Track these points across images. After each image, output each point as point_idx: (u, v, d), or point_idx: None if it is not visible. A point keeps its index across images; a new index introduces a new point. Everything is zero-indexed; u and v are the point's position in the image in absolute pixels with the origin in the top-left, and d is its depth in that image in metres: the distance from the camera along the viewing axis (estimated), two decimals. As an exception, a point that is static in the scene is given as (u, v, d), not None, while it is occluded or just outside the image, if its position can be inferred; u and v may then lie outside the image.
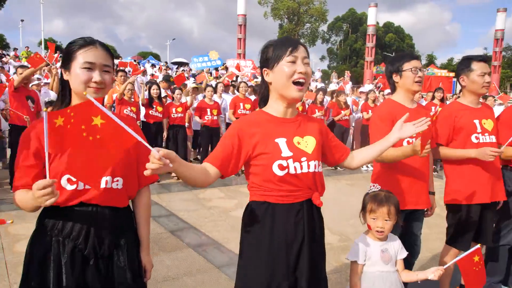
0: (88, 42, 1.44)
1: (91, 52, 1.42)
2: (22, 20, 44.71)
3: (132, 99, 6.36)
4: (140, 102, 6.55)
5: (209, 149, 7.01)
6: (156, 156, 1.11)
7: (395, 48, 58.38)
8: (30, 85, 5.81)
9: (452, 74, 34.03)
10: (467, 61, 2.66)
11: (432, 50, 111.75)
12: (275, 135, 1.56)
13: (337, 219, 4.52)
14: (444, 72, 33.53)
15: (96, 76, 1.41)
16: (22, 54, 21.83)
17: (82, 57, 1.41)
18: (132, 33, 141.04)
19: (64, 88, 1.49)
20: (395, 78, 2.39)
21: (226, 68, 16.85)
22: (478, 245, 1.79)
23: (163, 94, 7.06)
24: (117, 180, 1.46)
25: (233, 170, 1.55)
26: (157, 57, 44.03)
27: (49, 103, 5.64)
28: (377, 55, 53.10)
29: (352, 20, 60.57)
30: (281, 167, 1.51)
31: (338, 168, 8.06)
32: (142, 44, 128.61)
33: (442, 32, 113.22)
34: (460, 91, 2.98)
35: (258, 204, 1.57)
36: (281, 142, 1.55)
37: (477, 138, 2.60)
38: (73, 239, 1.41)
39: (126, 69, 9.32)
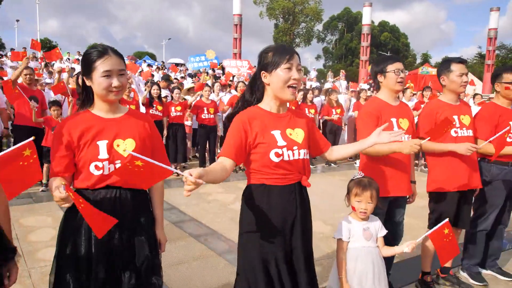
0: (102, 52, 1.66)
1: (107, 61, 1.64)
2: (17, 20, 44.62)
3: (132, 97, 6.60)
4: (141, 102, 6.78)
5: (207, 146, 7.25)
6: (193, 180, 1.31)
7: (391, 47, 58.80)
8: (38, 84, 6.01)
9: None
10: (447, 63, 2.93)
11: (428, 48, 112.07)
12: (271, 128, 1.82)
13: (331, 211, 4.78)
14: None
15: (114, 81, 1.65)
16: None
17: (101, 67, 1.63)
18: (127, 32, 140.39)
19: (87, 93, 1.73)
20: (380, 78, 2.64)
21: (223, 69, 17.08)
22: (447, 219, 2.06)
23: (163, 94, 7.29)
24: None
25: (244, 157, 1.81)
26: (153, 57, 44.07)
27: (51, 103, 5.87)
28: (373, 54, 53.41)
29: (347, 19, 60.91)
30: (277, 155, 1.77)
31: (333, 165, 8.33)
32: (137, 44, 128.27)
33: (438, 31, 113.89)
34: None
35: (256, 186, 1.82)
36: (276, 133, 1.80)
37: (456, 132, 2.87)
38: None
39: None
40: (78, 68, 16.94)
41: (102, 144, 1.64)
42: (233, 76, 14.20)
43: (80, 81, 1.77)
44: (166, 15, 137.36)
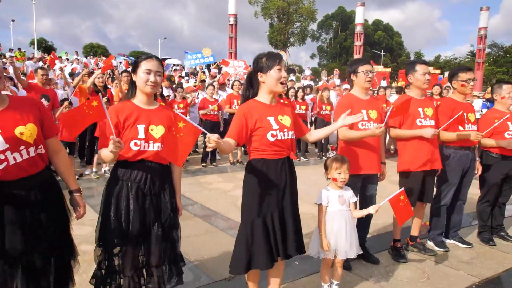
0: (148, 56, 2.25)
1: (150, 62, 2.22)
2: (13, 20, 44.72)
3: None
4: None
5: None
6: (215, 139, 1.95)
7: (384, 46, 59.45)
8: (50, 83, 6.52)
9: (438, 71, 35.15)
10: (413, 64, 3.51)
11: (422, 47, 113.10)
12: (267, 115, 2.38)
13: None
14: (430, 69, 34.64)
15: (151, 77, 2.21)
16: (16, 55, 22.25)
17: (144, 65, 2.21)
18: (122, 31, 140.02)
19: (133, 85, 2.29)
20: (353, 77, 3.22)
21: (219, 69, 17.58)
22: (402, 188, 2.63)
23: (166, 93, 7.82)
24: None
25: (244, 139, 2.37)
26: (148, 56, 44.34)
27: (63, 100, 6.40)
28: (367, 53, 54.07)
29: (341, 18, 61.53)
30: (272, 135, 2.34)
31: (323, 158, 8.91)
32: (132, 43, 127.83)
33: (432, 29, 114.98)
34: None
35: (256, 161, 2.38)
36: (271, 119, 2.37)
37: (420, 121, 3.45)
38: (137, 182, 2.20)
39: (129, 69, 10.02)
40: (79, 68, 17.39)
41: (141, 127, 2.19)
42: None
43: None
44: (160, 14, 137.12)
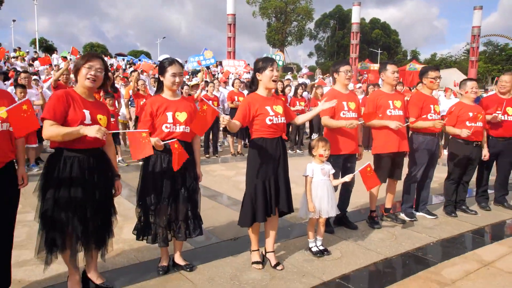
0: (172, 62, 2.96)
1: (174, 67, 2.93)
2: (14, 20, 45.21)
3: (146, 93, 7.85)
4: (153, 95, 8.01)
5: (210, 133, 8.46)
6: (227, 119, 2.70)
7: (381, 44, 60.17)
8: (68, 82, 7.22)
9: (433, 69, 35.84)
10: (384, 64, 4.24)
11: (420, 45, 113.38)
12: (265, 105, 3.10)
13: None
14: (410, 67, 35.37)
15: (177, 79, 2.93)
16: (21, 54, 22.86)
17: (170, 70, 2.92)
18: (119, 30, 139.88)
19: (161, 85, 3.01)
20: (335, 75, 3.94)
21: (219, 63, 18.26)
22: (368, 162, 3.37)
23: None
24: (187, 128, 2.97)
25: (247, 122, 3.09)
26: (147, 55, 44.97)
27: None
28: (364, 51, 54.76)
29: (339, 16, 62.23)
30: (270, 120, 3.06)
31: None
32: (130, 42, 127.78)
33: (430, 27, 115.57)
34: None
35: (257, 139, 3.10)
36: (268, 108, 3.09)
37: (390, 112, 4.17)
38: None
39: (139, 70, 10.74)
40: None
41: (169, 114, 2.91)
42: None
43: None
44: (158, 13, 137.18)
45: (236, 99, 8.71)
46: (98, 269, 2.87)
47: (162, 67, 2.99)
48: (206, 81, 11.43)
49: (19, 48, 26.08)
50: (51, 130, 2.42)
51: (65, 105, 2.51)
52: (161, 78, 2.99)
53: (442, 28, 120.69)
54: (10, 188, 2.46)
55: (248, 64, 18.42)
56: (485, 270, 3.25)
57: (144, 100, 7.56)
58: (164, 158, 2.92)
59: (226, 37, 36.37)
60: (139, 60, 29.13)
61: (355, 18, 39.43)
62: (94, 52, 2.90)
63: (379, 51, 53.42)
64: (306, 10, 44.88)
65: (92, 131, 2.36)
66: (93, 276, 2.81)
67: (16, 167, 2.60)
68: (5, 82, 8.44)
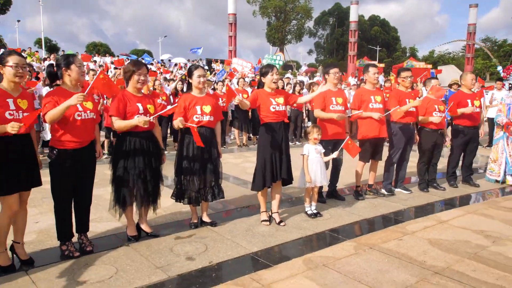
0: (197, 67, 3.93)
1: (199, 70, 3.90)
2: (18, 21, 46.11)
3: (161, 91, 8.83)
4: (169, 93, 8.99)
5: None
6: (240, 98, 3.72)
7: (380, 41, 61.00)
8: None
9: (430, 66, 36.77)
10: (367, 66, 5.21)
11: (421, 41, 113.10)
12: (269, 97, 4.08)
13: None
14: (422, 64, 36.24)
15: (201, 79, 3.89)
16: (28, 54, 23.80)
17: (196, 73, 3.88)
18: (119, 28, 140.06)
19: (189, 85, 3.98)
20: (326, 76, 4.92)
21: (222, 62, 19.06)
22: (348, 137, 4.38)
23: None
24: (212, 117, 3.94)
25: (254, 106, 4.07)
26: (150, 54, 45.82)
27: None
28: (363, 48, 55.59)
29: (338, 14, 63.03)
30: (273, 108, 4.05)
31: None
32: (129, 40, 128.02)
33: (431, 23, 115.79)
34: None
35: (265, 124, 4.08)
36: (272, 99, 4.07)
37: (372, 105, 5.13)
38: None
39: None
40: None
41: (198, 108, 3.87)
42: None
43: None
44: (157, 10, 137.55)
45: (240, 96, 9.68)
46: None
47: (190, 71, 3.97)
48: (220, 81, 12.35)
49: (30, 48, 27.14)
50: (118, 123, 3.44)
51: (124, 103, 3.49)
52: (190, 80, 3.96)
53: (443, 24, 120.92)
54: (93, 159, 3.44)
55: (254, 68, 19.30)
56: (440, 225, 4.23)
57: (161, 98, 8.56)
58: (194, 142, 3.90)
59: (227, 36, 37.28)
60: (142, 59, 30.07)
61: (353, 17, 40.32)
62: (140, 60, 3.63)
63: (378, 48, 54.18)
64: (305, 9, 45.78)
65: (140, 123, 3.35)
66: (144, 227, 3.79)
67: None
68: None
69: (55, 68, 3.27)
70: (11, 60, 2.91)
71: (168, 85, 10.26)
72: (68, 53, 19.37)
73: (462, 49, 58.10)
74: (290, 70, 27.02)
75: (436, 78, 5.81)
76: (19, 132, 2.73)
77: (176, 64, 23.94)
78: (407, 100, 5.35)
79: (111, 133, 7.86)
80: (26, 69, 3.06)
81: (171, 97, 9.10)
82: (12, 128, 2.68)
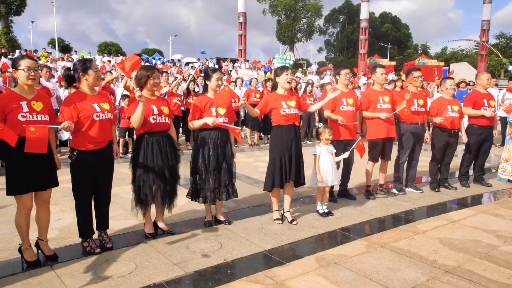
0: (215, 70, 4.05)
1: (217, 73, 4.01)
2: (32, 22, 46.92)
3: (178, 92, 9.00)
4: (182, 93, 9.15)
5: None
6: (244, 101, 3.94)
7: (392, 38, 60.39)
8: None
9: (442, 64, 36.31)
10: (374, 67, 5.26)
11: (434, 38, 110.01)
12: (280, 100, 4.17)
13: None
14: (434, 62, 35.81)
15: (219, 82, 4.00)
16: (42, 55, 24.28)
17: (214, 76, 4.00)
18: (129, 28, 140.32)
19: (205, 86, 4.09)
20: (337, 77, 4.98)
21: (233, 61, 19.23)
22: (360, 138, 4.44)
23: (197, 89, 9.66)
24: (226, 118, 4.05)
25: (264, 112, 4.18)
26: (160, 53, 46.20)
27: (123, 96, 8.27)
28: (374, 46, 55.15)
29: (348, 11, 62.60)
30: (283, 111, 4.13)
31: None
32: (140, 39, 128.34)
33: (445, 19, 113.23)
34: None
35: (277, 126, 4.17)
36: (283, 102, 4.16)
37: (380, 105, 5.18)
38: (213, 138, 3.98)
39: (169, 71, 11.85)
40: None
41: (213, 109, 3.99)
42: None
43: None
44: (167, 9, 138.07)
45: (253, 96, 9.78)
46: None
47: (207, 74, 4.09)
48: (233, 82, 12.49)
49: (44, 49, 27.72)
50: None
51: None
52: (207, 82, 4.07)
53: (457, 20, 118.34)
54: (111, 158, 3.58)
55: (266, 73, 19.28)
56: (451, 225, 4.27)
57: (176, 99, 8.72)
58: (210, 141, 4.01)
59: (237, 34, 37.37)
60: (153, 58, 30.36)
61: (364, 14, 40.02)
62: (150, 64, 3.75)
63: (389, 46, 53.65)
64: (315, 6, 45.62)
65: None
66: (161, 225, 3.93)
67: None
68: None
69: (72, 71, 3.40)
70: (24, 63, 3.02)
71: (180, 85, 10.40)
72: (81, 53, 19.74)
73: (476, 46, 57.03)
74: (300, 69, 27.00)
75: (452, 78, 5.81)
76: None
77: (187, 64, 24.16)
78: (415, 100, 5.38)
79: (126, 133, 8.07)
80: (39, 72, 3.18)
81: (182, 97, 9.24)
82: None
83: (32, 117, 3.01)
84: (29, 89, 3.10)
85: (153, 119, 3.63)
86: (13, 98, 2.99)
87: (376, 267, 3.22)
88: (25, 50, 29.60)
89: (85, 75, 3.33)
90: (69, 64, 18.42)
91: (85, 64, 3.34)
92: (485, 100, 5.77)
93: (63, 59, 21.86)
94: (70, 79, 3.43)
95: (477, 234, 4.00)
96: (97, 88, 3.61)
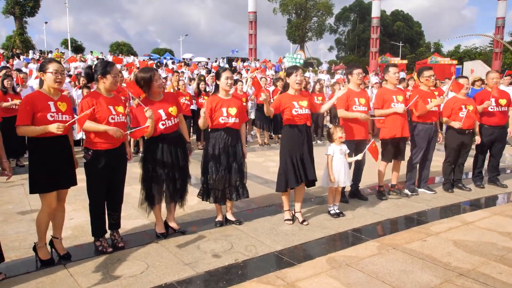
0: (225, 69, 4.04)
1: (227, 72, 4.01)
2: (46, 22, 47.62)
3: (185, 91, 9.03)
4: (192, 93, 9.19)
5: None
6: (267, 99, 3.91)
7: (403, 37, 59.64)
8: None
9: (455, 62, 35.72)
10: (387, 67, 5.20)
11: (448, 35, 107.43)
12: (292, 100, 4.14)
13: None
14: (447, 60, 35.26)
15: (228, 81, 4.00)
16: (55, 55, 24.65)
17: (224, 75, 3.99)
18: (140, 27, 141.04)
19: (217, 86, 4.09)
20: (349, 77, 4.94)
21: (243, 60, 19.26)
22: (373, 140, 4.38)
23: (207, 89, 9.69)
24: (237, 119, 4.04)
25: (278, 111, 4.16)
26: (171, 53, 46.49)
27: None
28: (385, 44, 54.58)
29: (359, 10, 62.07)
30: (295, 111, 4.10)
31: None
32: (151, 39, 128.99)
33: (459, 16, 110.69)
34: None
35: (288, 125, 4.15)
36: (295, 103, 4.13)
37: (394, 105, 5.11)
38: (224, 139, 3.99)
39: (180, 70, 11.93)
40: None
41: (224, 109, 3.98)
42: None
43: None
44: (178, 9, 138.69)
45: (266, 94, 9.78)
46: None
47: (218, 74, 4.09)
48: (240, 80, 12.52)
49: (57, 49, 28.20)
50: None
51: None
52: (218, 82, 4.07)
53: (472, 17, 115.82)
54: (124, 158, 3.61)
55: (277, 72, 19.22)
56: (465, 227, 4.19)
57: (184, 98, 8.75)
58: (221, 141, 4.01)
59: (247, 33, 37.33)
60: (165, 58, 30.54)
61: (375, 12, 39.52)
62: (149, 67, 3.71)
63: (400, 44, 53.00)
64: (326, 5, 45.36)
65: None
66: (172, 224, 3.94)
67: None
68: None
69: (93, 70, 3.45)
70: (51, 67, 3.12)
71: (190, 85, 10.47)
72: (94, 53, 19.93)
73: (490, 43, 55.92)
74: (310, 68, 26.88)
75: (466, 77, 5.70)
76: (63, 133, 3.00)
77: (199, 63, 24.28)
78: (428, 99, 5.30)
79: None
80: (64, 75, 3.27)
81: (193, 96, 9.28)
82: (58, 128, 2.92)
83: (59, 117, 3.12)
84: (55, 91, 3.20)
85: (162, 124, 3.65)
86: (41, 98, 3.10)
87: (388, 269, 3.18)
88: (40, 51, 30.21)
89: (104, 78, 3.39)
90: (82, 65, 18.75)
91: (106, 68, 3.40)
92: (493, 99, 5.65)
93: (73, 59, 22.12)
94: (89, 77, 3.51)
95: (492, 236, 3.92)
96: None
